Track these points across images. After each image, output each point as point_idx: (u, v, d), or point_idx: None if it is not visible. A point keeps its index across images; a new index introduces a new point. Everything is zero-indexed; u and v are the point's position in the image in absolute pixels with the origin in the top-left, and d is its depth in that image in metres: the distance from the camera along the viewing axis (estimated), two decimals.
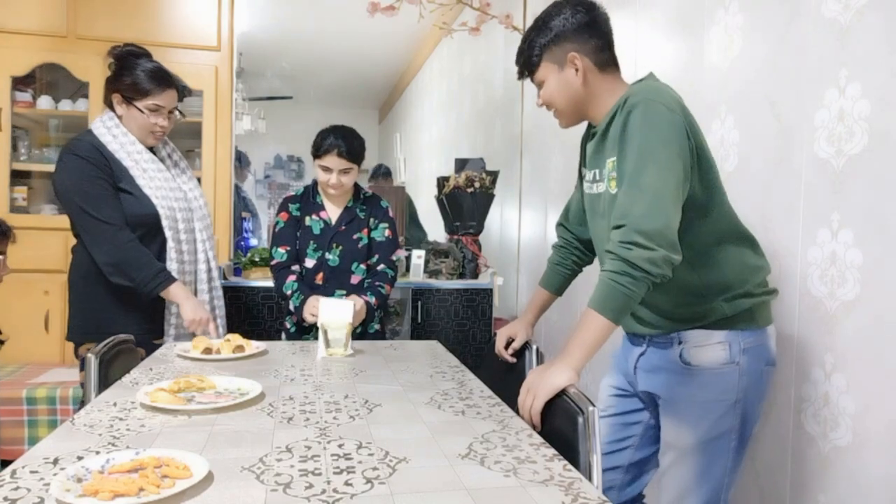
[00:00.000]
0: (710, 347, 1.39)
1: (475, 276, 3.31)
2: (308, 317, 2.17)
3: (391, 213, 2.42)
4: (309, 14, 5.13)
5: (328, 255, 2.29)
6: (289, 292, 2.23)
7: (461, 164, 3.50)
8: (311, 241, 2.30)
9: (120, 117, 2.06)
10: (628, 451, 1.60)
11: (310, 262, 2.30)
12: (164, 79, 2.06)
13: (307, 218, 2.32)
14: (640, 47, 2.30)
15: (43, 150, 3.43)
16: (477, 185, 3.28)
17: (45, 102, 3.37)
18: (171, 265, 2.04)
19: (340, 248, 2.31)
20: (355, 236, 2.32)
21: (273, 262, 2.32)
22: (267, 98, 6.29)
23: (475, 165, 3.47)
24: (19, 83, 3.30)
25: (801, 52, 1.58)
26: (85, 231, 1.98)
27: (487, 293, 3.20)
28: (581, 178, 1.63)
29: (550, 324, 3.04)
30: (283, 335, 2.41)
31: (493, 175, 3.36)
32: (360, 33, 5.10)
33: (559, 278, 1.81)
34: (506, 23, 3.31)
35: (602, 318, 1.27)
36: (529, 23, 3.62)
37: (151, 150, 2.12)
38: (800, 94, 1.58)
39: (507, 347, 1.82)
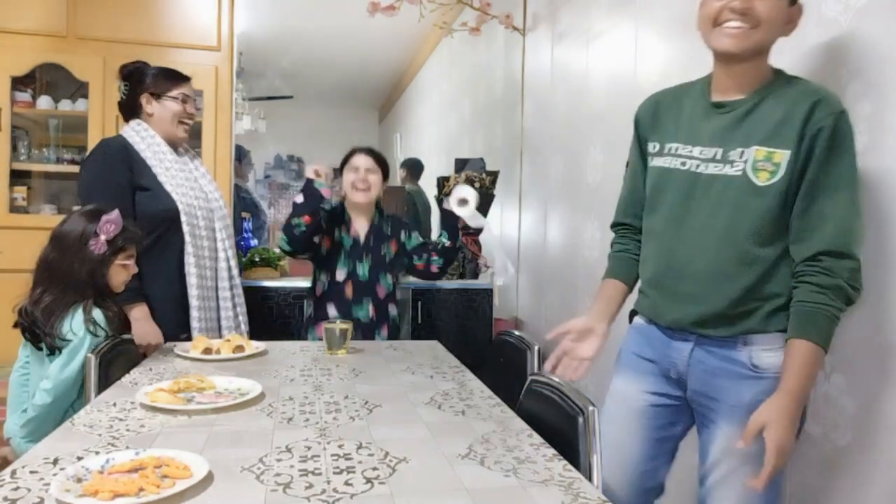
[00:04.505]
0: (777, 352, 1.31)
1: (475, 276, 3.31)
2: (312, 174, 2.27)
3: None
4: (309, 14, 5.13)
5: (358, 269, 2.36)
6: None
7: (461, 164, 3.50)
8: (343, 254, 2.37)
9: (150, 116, 2.17)
10: (661, 471, 1.48)
11: (340, 275, 2.36)
12: (180, 73, 2.22)
13: (336, 230, 2.39)
14: (641, 47, 2.30)
15: (42, 150, 3.42)
16: (477, 185, 3.27)
17: (44, 102, 3.37)
18: (189, 259, 2.10)
19: (370, 259, 2.38)
20: (383, 251, 2.42)
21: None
22: (267, 98, 6.29)
23: (475, 165, 3.47)
24: (19, 83, 3.29)
25: (800, 52, 1.58)
26: None
27: (487, 293, 3.20)
28: (659, 153, 1.44)
29: (550, 324, 3.03)
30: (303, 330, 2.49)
31: (493, 175, 3.36)
32: (360, 33, 5.10)
33: (629, 265, 1.54)
34: (506, 23, 3.31)
35: (821, 351, 1.21)
36: (529, 23, 3.61)
37: (176, 153, 2.23)
38: None
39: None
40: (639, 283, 1.53)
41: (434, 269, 2.45)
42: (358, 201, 2.38)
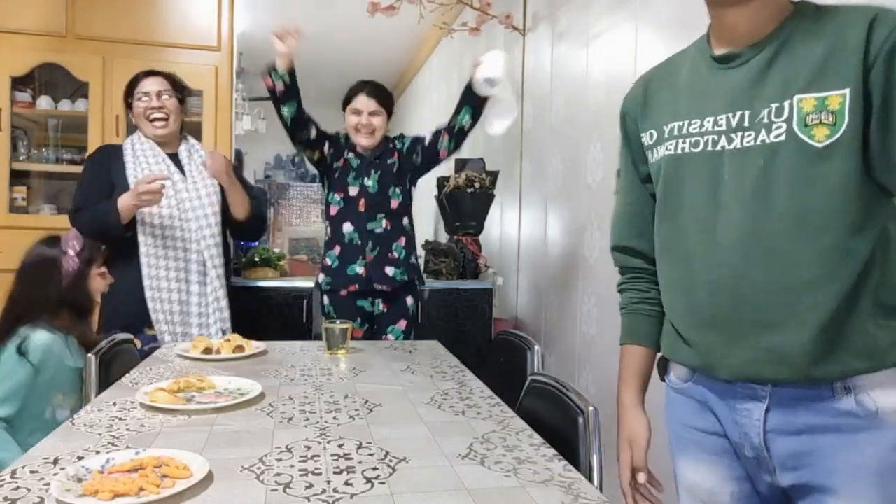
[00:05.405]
0: None
1: (475, 276, 3.31)
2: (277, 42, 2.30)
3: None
4: (309, 14, 5.13)
5: (367, 182, 2.42)
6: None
7: (461, 164, 3.49)
8: (352, 171, 2.43)
9: (137, 126, 2.34)
10: None
11: (353, 190, 2.42)
12: (145, 72, 2.35)
13: (346, 152, 2.45)
14: (640, 46, 2.30)
15: (42, 150, 3.42)
16: (477, 185, 3.28)
17: (44, 102, 3.37)
18: (142, 248, 2.19)
19: (378, 173, 2.43)
20: (389, 162, 2.46)
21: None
22: (267, 98, 6.26)
23: (475, 165, 3.47)
24: (19, 83, 3.29)
25: None
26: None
27: (487, 293, 3.20)
28: (657, 142, 1.09)
29: (550, 324, 3.03)
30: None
31: (493, 175, 3.36)
32: (360, 33, 5.10)
33: (652, 323, 1.17)
34: (506, 23, 3.31)
35: None
36: (529, 23, 3.60)
37: (176, 156, 2.33)
38: None
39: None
40: (668, 328, 1.14)
41: (443, 153, 2.46)
42: (363, 145, 2.43)
